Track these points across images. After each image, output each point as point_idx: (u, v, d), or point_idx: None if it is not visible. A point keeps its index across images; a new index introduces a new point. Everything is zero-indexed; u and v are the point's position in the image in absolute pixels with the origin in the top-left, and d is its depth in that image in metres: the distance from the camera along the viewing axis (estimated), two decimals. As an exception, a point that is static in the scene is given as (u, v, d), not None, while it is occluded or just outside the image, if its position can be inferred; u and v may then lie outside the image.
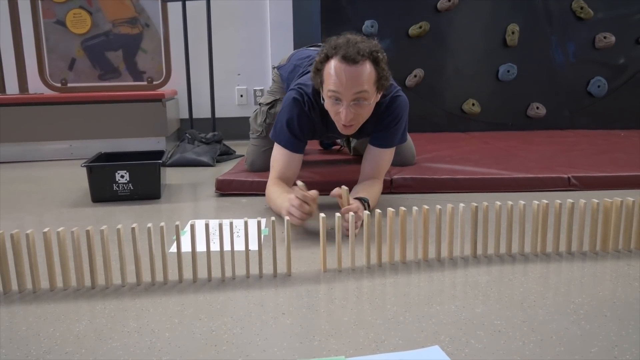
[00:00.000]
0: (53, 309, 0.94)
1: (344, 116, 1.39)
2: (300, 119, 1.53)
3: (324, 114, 1.52)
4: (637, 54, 3.30)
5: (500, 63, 3.30)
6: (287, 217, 1.10)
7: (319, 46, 2.04)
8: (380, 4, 3.21)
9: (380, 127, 1.56)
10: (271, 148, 1.96)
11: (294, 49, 2.29)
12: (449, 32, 3.28)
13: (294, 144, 1.54)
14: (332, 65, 1.37)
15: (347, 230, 1.21)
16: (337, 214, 1.11)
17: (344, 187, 1.31)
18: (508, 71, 3.29)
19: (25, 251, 1.01)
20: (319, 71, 1.43)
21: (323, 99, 1.45)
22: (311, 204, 1.25)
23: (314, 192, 1.26)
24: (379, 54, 1.39)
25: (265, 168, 1.99)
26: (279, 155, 1.56)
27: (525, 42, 3.27)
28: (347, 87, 1.36)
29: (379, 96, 1.46)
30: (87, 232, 1.01)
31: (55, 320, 0.90)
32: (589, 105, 3.36)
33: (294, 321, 0.88)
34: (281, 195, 1.41)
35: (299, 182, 1.25)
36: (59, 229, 1.01)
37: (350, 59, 1.34)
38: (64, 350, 0.79)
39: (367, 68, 1.36)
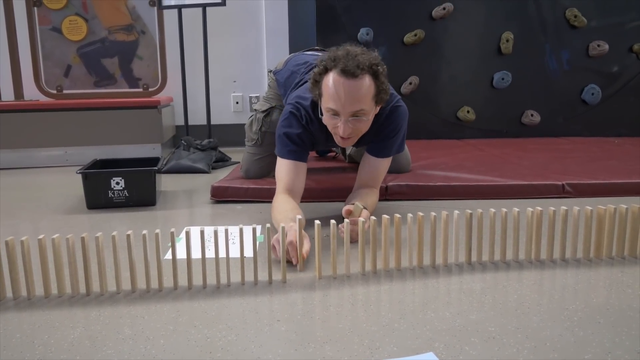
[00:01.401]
0: (47, 316, 0.94)
1: (341, 131, 1.38)
2: (299, 130, 1.52)
3: (323, 125, 1.51)
4: (631, 61, 3.33)
5: (495, 70, 3.32)
6: (282, 225, 1.10)
7: (316, 50, 2.04)
8: (375, 11, 3.24)
9: (380, 137, 1.56)
10: (266, 156, 1.98)
11: (290, 55, 2.29)
12: (444, 39, 3.31)
13: (296, 153, 1.51)
14: (331, 79, 1.35)
15: (351, 233, 1.20)
16: (332, 221, 1.12)
17: (357, 203, 1.30)
18: (502, 79, 3.31)
19: (20, 258, 1.01)
20: (317, 83, 1.42)
21: (321, 112, 1.45)
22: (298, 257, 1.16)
23: (306, 251, 1.15)
24: (379, 67, 1.38)
25: (260, 176, 2.00)
26: (283, 167, 1.51)
27: (520, 50, 3.30)
28: (346, 104, 1.34)
29: (378, 108, 1.46)
30: (82, 239, 1.01)
31: (49, 327, 0.90)
32: (583, 112, 3.39)
33: (289, 328, 0.88)
34: (283, 212, 1.34)
35: (299, 216, 1.13)
36: (54, 236, 1.01)
37: (349, 73, 1.33)
38: (58, 358, 0.79)
39: (367, 82, 1.35)
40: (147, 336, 0.86)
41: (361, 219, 1.13)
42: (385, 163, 1.60)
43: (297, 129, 1.52)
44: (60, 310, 0.97)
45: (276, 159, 1.56)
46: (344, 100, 1.34)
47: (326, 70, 1.38)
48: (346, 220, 1.13)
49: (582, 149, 2.77)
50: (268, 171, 2.00)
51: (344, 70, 1.33)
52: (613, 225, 1.19)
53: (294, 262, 1.15)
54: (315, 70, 1.42)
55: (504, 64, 3.31)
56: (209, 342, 0.83)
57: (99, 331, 0.88)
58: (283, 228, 1.08)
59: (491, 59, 3.32)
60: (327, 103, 1.39)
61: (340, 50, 1.39)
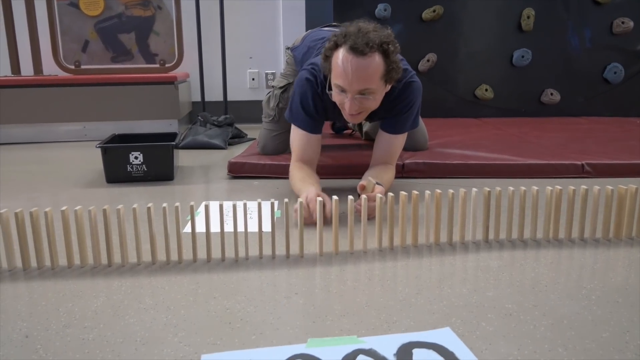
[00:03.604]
0: (71, 286, 0.96)
1: (348, 107, 1.38)
2: (314, 99, 1.52)
3: None
4: (656, 40, 3.25)
5: (515, 48, 3.26)
6: (300, 200, 1.11)
7: (333, 26, 2.02)
8: (394, -13, 3.18)
9: (393, 112, 1.55)
10: (283, 132, 1.98)
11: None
12: (463, 16, 3.24)
13: (310, 125, 1.52)
14: (340, 55, 1.34)
15: (359, 212, 1.21)
16: (350, 197, 1.12)
17: (370, 178, 1.30)
18: (522, 56, 3.25)
19: (44, 229, 1.03)
20: (327, 58, 1.41)
21: (330, 87, 1.44)
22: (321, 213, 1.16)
23: (328, 210, 1.19)
24: (390, 46, 1.34)
25: (277, 152, 2.00)
26: (297, 136, 1.54)
27: (541, 27, 3.22)
28: (353, 81, 1.33)
29: (389, 87, 1.44)
30: (104, 211, 1.03)
31: (73, 296, 0.92)
32: (605, 92, 3.32)
33: (307, 301, 0.89)
34: (301, 181, 1.37)
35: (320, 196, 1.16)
36: (77, 208, 1.03)
37: (358, 50, 1.31)
38: (82, 325, 0.81)
39: (376, 60, 1.32)
40: (168, 306, 0.88)
41: (379, 195, 1.13)
42: (400, 139, 1.59)
43: (313, 97, 1.52)
44: (83, 280, 0.99)
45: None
46: (351, 78, 1.33)
47: (336, 46, 1.37)
48: (363, 196, 1.13)
49: (603, 129, 2.72)
50: (285, 147, 2.00)
51: (352, 48, 1.31)
52: (634, 205, 1.18)
53: (314, 217, 1.12)
54: (327, 45, 1.41)
55: (524, 42, 3.25)
56: (228, 313, 0.85)
57: (120, 300, 0.90)
58: (301, 203, 1.08)
59: (511, 36, 3.25)
60: (335, 79, 1.38)
61: (352, 27, 1.37)
